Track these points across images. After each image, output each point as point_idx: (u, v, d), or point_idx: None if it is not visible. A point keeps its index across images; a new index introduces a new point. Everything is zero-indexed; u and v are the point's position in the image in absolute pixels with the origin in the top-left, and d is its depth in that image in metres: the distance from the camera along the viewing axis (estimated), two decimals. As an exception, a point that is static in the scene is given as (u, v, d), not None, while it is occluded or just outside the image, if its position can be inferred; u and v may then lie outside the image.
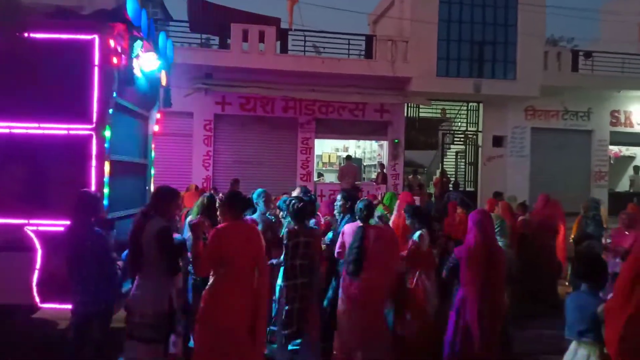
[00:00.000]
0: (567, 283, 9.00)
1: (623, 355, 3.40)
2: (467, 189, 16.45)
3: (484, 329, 4.88)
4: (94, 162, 5.70)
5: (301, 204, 5.35)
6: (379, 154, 16.61)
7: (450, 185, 14.74)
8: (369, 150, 18.02)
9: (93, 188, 5.54)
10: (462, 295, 5.04)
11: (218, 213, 4.69)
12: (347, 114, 15.41)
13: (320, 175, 16.61)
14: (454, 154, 17.05)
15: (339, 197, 6.19)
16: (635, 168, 18.87)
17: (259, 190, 6.10)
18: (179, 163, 14.74)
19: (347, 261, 5.22)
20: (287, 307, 5.29)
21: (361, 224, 5.35)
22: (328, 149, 17.72)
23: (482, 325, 4.89)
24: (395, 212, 6.66)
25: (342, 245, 5.38)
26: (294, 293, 5.31)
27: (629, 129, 18.13)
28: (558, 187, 16.25)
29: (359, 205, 5.46)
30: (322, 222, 6.42)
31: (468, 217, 5.13)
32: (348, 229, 5.41)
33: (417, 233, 5.77)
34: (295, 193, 6.88)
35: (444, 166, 16.80)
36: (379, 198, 5.46)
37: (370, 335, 5.17)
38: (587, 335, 3.93)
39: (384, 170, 15.57)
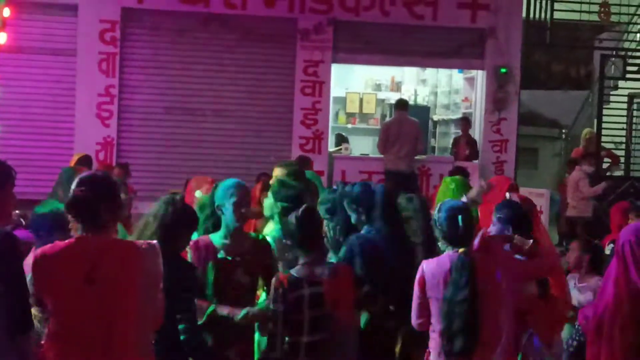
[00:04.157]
0: None
1: None
2: (654, 173, 12.59)
3: None
4: None
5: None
6: (466, 99, 12.20)
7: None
8: (444, 90, 13.29)
9: None
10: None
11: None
12: (400, 14, 11.09)
13: (341, 139, 11.98)
14: (626, 99, 12.25)
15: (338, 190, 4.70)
16: None
17: (230, 181, 4.22)
18: (50, 110, 10.42)
19: (445, 334, 3.92)
20: None
21: (461, 252, 3.92)
22: (359, 86, 12.82)
23: None
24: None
25: (423, 297, 3.92)
26: None
27: None
28: None
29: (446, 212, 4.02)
30: None
31: None
32: (432, 268, 4.00)
33: None
34: (278, 173, 5.29)
35: (604, 126, 11.83)
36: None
37: None
38: None
39: (471, 133, 11.38)
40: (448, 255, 3.90)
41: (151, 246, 3.33)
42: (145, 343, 3.24)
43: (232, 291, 3.87)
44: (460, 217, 3.96)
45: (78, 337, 3.11)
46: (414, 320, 3.97)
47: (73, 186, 3.22)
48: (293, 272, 3.78)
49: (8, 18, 8.81)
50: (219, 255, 3.86)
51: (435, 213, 3.97)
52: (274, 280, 3.74)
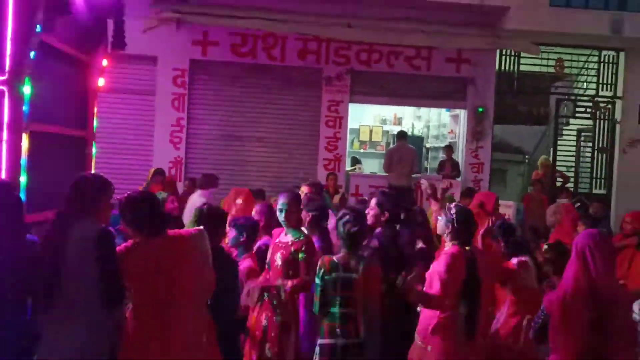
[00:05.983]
0: None
1: None
2: (595, 191, 12.43)
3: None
4: (5, 134, 4.28)
5: (356, 227, 4.16)
6: (452, 131, 12.93)
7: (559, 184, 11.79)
8: (435, 124, 14.07)
9: (3, 175, 4.19)
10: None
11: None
12: (402, 65, 11.85)
13: (356, 161, 12.83)
14: (575, 133, 13.00)
15: (372, 203, 4.97)
16: None
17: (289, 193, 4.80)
18: (135, 136, 11.37)
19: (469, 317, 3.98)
20: None
21: (463, 248, 4.05)
22: (369, 120, 13.71)
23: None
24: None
25: (455, 278, 3.94)
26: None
27: None
28: None
29: (459, 214, 4.09)
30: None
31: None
32: (456, 258, 4.00)
33: (517, 261, 4.77)
34: (305, 189, 5.83)
35: (558, 153, 12.54)
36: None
37: None
38: None
39: (453, 156, 11.89)
40: (457, 250, 4.06)
41: (199, 231, 3.59)
42: (202, 315, 3.50)
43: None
44: (473, 219, 4.21)
45: (152, 313, 3.41)
46: (441, 299, 3.94)
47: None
48: (334, 257, 4.08)
49: (106, 67, 10.11)
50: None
51: (450, 213, 4.10)
52: (320, 260, 4.09)
